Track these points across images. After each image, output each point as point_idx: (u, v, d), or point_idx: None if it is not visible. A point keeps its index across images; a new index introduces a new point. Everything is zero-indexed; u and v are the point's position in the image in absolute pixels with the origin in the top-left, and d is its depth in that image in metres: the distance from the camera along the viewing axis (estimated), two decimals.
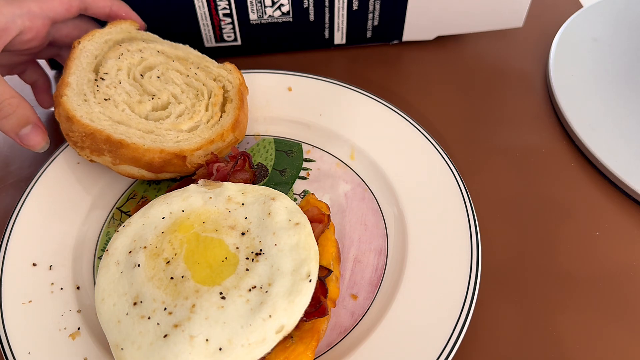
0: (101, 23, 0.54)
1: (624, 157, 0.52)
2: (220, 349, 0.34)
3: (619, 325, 0.43)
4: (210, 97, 0.50)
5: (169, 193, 0.43)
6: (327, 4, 0.59)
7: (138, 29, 0.54)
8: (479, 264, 0.43)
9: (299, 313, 0.36)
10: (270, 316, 0.35)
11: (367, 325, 0.42)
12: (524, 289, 0.45)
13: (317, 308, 0.37)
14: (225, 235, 0.39)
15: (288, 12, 0.60)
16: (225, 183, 0.43)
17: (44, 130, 0.47)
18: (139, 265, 0.38)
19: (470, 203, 0.46)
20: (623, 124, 0.55)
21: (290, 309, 0.35)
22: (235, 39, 0.62)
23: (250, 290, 0.36)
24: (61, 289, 0.43)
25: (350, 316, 0.42)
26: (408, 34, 0.64)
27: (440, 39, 0.65)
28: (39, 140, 0.47)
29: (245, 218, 0.40)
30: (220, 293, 0.36)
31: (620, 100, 0.58)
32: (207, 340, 0.34)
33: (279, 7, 0.59)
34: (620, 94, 0.58)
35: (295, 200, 0.49)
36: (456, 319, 0.40)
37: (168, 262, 0.37)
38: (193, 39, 0.61)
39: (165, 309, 0.35)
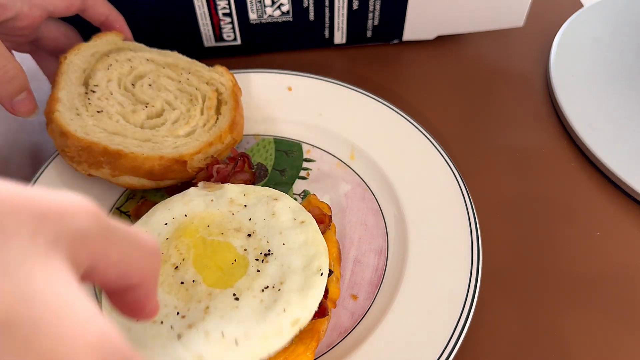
0: (85, 37, 0.53)
1: (624, 157, 0.52)
2: (236, 342, 0.34)
3: (619, 325, 0.43)
4: (204, 101, 0.50)
5: (169, 199, 0.43)
6: (327, 3, 0.59)
7: (124, 40, 0.54)
8: (480, 264, 0.43)
9: (313, 306, 0.36)
10: (284, 310, 0.35)
11: (367, 326, 0.41)
12: (524, 288, 0.45)
13: (317, 308, 0.37)
14: (231, 238, 0.39)
15: (288, 12, 0.60)
16: (226, 185, 0.43)
17: (34, 98, 0.47)
18: None
19: (470, 203, 0.46)
20: (624, 124, 0.55)
21: (303, 302, 0.36)
22: (235, 39, 0.62)
23: (263, 290, 0.36)
24: None
25: (351, 317, 0.42)
26: (408, 34, 0.64)
27: (440, 39, 0.65)
28: (32, 107, 0.47)
29: (250, 219, 0.40)
30: (234, 294, 0.36)
31: (621, 100, 0.58)
32: (222, 334, 0.34)
33: (278, 7, 0.59)
34: (621, 94, 0.58)
35: (295, 200, 0.49)
36: (456, 319, 0.40)
37: (176, 267, 0.37)
38: (192, 39, 0.61)
39: (178, 313, 0.35)
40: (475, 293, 0.41)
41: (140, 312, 0.27)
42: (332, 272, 0.40)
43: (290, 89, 0.56)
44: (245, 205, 0.41)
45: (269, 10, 0.59)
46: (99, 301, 0.43)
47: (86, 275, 0.22)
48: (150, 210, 0.42)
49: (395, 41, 0.65)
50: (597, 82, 0.59)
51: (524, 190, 0.52)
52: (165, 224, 0.40)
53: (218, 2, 0.58)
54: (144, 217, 0.42)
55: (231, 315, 0.35)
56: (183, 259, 0.38)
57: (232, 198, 0.41)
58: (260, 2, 0.58)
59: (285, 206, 0.41)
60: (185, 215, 0.41)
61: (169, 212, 0.41)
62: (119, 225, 0.23)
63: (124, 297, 0.26)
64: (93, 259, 0.22)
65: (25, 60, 0.62)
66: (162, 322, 0.35)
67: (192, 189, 0.43)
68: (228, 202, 0.41)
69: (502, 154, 0.55)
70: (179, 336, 0.34)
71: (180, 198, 0.42)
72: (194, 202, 0.41)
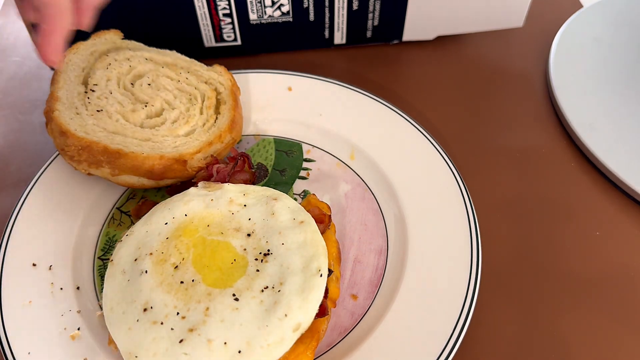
0: (83, 36, 0.53)
1: (624, 157, 0.52)
2: (239, 352, 0.34)
3: (619, 325, 0.43)
4: (203, 100, 0.50)
5: (169, 199, 0.43)
6: (327, 4, 0.59)
7: (122, 39, 0.54)
8: (479, 264, 0.43)
9: (314, 309, 0.36)
10: (285, 315, 0.35)
11: (367, 326, 0.42)
12: (524, 288, 0.45)
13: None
14: (231, 238, 0.39)
15: (288, 12, 0.60)
16: (225, 185, 0.43)
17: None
18: (146, 272, 0.37)
19: (470, 203, 0.46)
20: (623, 124, 0.55)
21: (305, 306, 0.36)
22: (235, 39, 0.62)
23: (262, 291, 0.36)
24: (61, 289, 0.43)
25: (350, 316, 0.42)
26: (408, 34, 0.64)
27: (440, 39, 0.65)
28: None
29: (249, 219, 0.40)
30: (233, 295, 0.36)
31: (621, 100, 0.58)
32: (225, 343, 0.34)
33: (279, 7, 0.59)
34: (621, 94, 0.58)
35: (295, 200, 0.49)
36: (456, 319, 0.40)
37: (176, 267, 0.37)
38: (193, 39, 0.61)
39: (177, 313, 0.35)
40: (475, 293, 0.41)
41: None
42: (332, 271, 0.40)
43: (290, 89, 0.56)
44: (245, 205, 0.41)
45: (269, 11, 0.59)
46: (98, 300, 0.43)
47: None
48: (151, 210, 0.42)
49: (395, 41, 0.65)
50: (596, 82, 0.59)
51: (524, 190, 0.52)
52: (166, 223, 0.40)
53: (218, 3, 0.58)
54: (144, 217, 0.42)
55: (232, 318, 0.35)
56: (183, 259, 0.38)
57: (232, 198, 0.42)
58: (260, 2, 0.58)
59: (284, 206, 0.41)
60: (185, 215, 0.41)
61: (169, 212, 0.41)
62: None
63: None
64: None
65: (25, 60, 0.63)
66: (162, 323, 0.35)
67: (192, 189, 0.43)
68: (228, 202, 0.41)
69: (501, 154, 0.55)
70: (181, 341, 0.34)
71: (180, 198, 0.42)
72: (193, 202, 0.41)
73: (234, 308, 0.35)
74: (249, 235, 0.39)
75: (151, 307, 0.36)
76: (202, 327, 0.34)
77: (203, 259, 0.38)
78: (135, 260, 0.38)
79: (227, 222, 0.40)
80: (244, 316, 0.35)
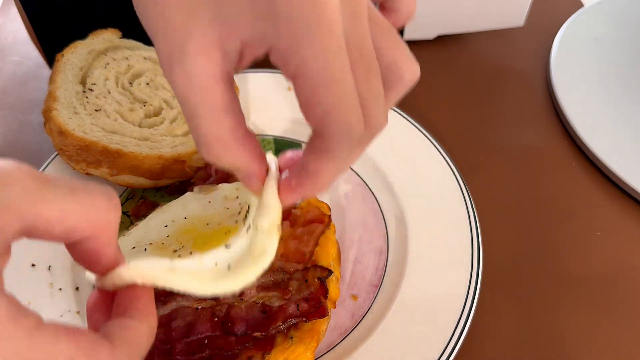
0: (82, 36, 0.53)
1: (625, 157, 0.52)
2: (228, 268, 0.34)
3: (619, 325, 0.43)
4: None
5: (167, 204, 0.43)
6: None
7: (121, 37, 0.53)
8: (480, 264, 0.43)
9: (270, 200, 0.34)
10: (257, 228, 0.34)
11: (367, 326, 0.41)
12: (524, 289, 0.45)
13: (317, 308, 0.37)
14: (227, 222, 0.39)
15: None
16: (220, 185, 0.43)
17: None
18: (145, 250, 0.37)
19: (471, 203, 0.46)
20: (624, 124, 0.55)
21: (260, 206, 0.34)
22: None
23: (247, 231, 0.36)
24: (60, 289, 0.43)
25: (351, 317, 0.42)
26: (408, 33, 0.64)
27: (440, 38, 0.65)
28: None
29: (239, 203, 0.40)
30: (226, 245, 0.36)
31: (622, 100, 0.57)
32: (215, 264, 0.34)
33: None
34: (622, 94, 0.58)
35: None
36: (457, 319, 0.40)
37: (175, 251, 0.37)
38: None
39: (175, 251, 0.35)
40: (476, 293, 0.41)
41: (96, 262, 0.27)
42: (332, 272, 0.39)
43: (290, 88, 0.56)
44: (237, 197, 0.41)
45: None
46: None
47: (27, 233, 0.24)
48: (149, 216, 0.42)
49: None
50: (597, 82, 0.59)
51: (524, 189, 0.52)
52: (165, 226, 0.40)
53: None
54: (144, 221, 0.42)
55: (224, 254, 0.35)
56: (183, 246, 0.38)
57: (227, 195, 0.42)
58: None
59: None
60: (185, 218, 0.41)
61: (169, 215, 0.41)
62: (61, 182, 0.24)
63: (79, 249, 0.26)
64: (24, 221, 0.23)
65: (24, 60, 0.62)
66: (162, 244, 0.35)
67: (188, 194, 0.43)
68: (223, 200, 0.41)
69: (502, 154, 0.55)
70: (175, 251, 0.34)
71: (178, 202, 0.42)
72: (191, 205, 0.41)
73: (226, 250, 0.35)
74: (239, 212, 0.39)
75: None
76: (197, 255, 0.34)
77: (201, 241, 0.38)
78: (133, 248, 0.39)
79: (224, 218, 0.40)
80: (233, 251, 0.35)
